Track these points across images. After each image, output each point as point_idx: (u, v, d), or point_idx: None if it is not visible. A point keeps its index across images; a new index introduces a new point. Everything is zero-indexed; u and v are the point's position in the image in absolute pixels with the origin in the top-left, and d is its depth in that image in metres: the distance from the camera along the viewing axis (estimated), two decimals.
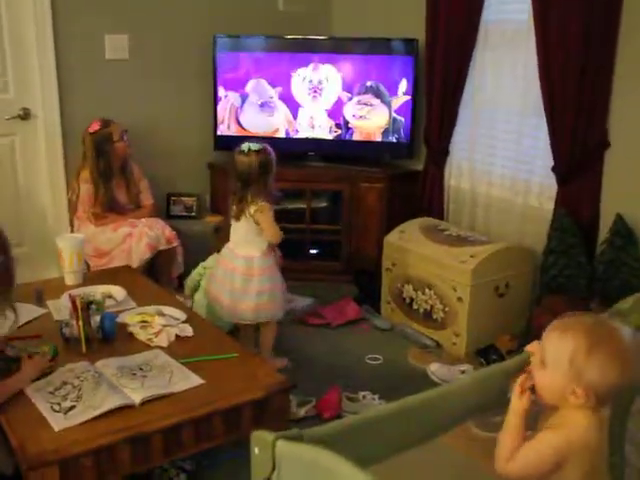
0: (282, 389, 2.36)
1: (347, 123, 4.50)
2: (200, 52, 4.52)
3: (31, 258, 4.23)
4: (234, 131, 4.57)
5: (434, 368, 3.38)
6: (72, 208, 4.11)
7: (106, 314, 2.62)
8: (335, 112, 4.50)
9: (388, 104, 4.41)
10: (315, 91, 4.49)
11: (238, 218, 3.17)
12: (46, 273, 3.92)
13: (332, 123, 4.52)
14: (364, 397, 3.05)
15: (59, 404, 2.18)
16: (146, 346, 2.58)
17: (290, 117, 4.55)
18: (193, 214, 4.55)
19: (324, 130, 4.53)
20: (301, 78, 4.48)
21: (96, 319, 2.58)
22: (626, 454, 2.14)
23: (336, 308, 4.03)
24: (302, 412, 3.04)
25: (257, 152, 3.13)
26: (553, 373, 1.55)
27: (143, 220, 4.02)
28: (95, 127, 3.94)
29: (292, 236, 4.50)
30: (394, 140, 4.45)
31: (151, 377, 2.33)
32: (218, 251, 3.81)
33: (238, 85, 4.52)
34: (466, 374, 3.26)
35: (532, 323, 3.61)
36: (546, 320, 3.49)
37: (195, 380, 2.33)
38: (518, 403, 1.61)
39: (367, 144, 4.50)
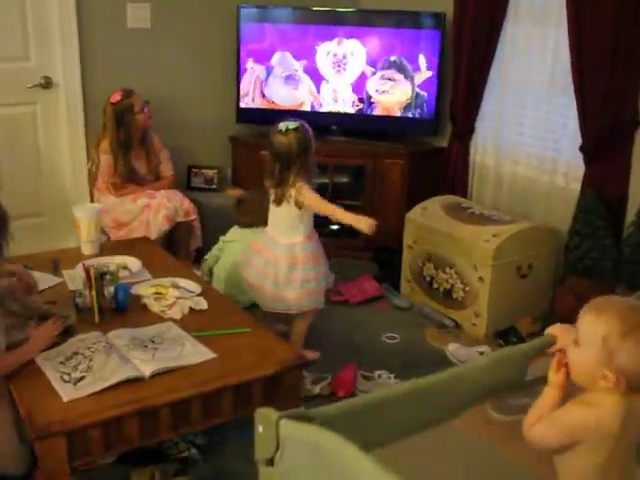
0: (297, 365, 2.32)
1: (370, 98, 4.42)
2: (224, 23, 4.45)
3: (50, 227, 4.25)
4: (259, 104, 4.52)
5: (452, 348, 3.33)
6: (92, 178, 4.09)
7: (120, 285, 2.60)
8: (359, 86, 4.42)
9: (411, 79, 4.31)
10: (339, 65, 4.41)
11: (279, 203, 3.01)
12: (65, 243, 3.91)
13: (355, 98, 4.44)
14: (379, 376, 3.01)
15: (69, 374, 2.16)
16: (159, 318, 2.55)
17: (314, 90, 4.48)
18: (214, 187, 4.51)
19: (347, 104, 4.46)
20: (325, 52, 4.40)
21: (110, 290, 2.56)
22: None
23: (355, 285, 3.98)
24: (317, 389, 3.01)
25: (295, 130, 2.95)
26: (586, 353, 1.52)
27: (162, 192, 4.00)
28: (117, 97, 3.90)
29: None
30: (417, 116, 4.36)
31: (162, 349, 2.30)
32: (239, 224, 3.78)
33: (263, 57, 4.45)
34: (484, 355, 3.20)
35: (554, 305, 3.54)
36: (569, 303, 3.46)
37: (206, 354, 2.30)
38: (555, 377, 1.60)
39: (390, 119, 4.42)
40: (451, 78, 4.20)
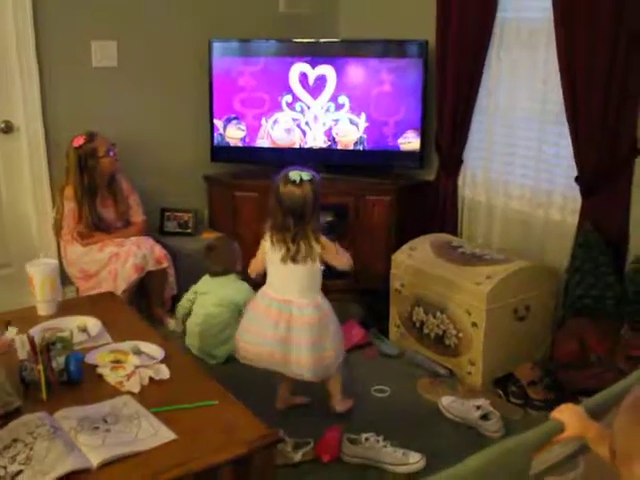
0: (268, 443, 2.05)
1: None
2: (195, 58, 4.23)
3: (19, 279, 3.96)
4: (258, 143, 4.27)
5: (446, 402, 3.05)
6: (57, 227, 3.84)
7: (72, 355, 2.32)
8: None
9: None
10: (315, 97, 4.17)
11: (294, 260, 2.77)
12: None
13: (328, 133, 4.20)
14: (367, 439, 2.73)
15: (5, 468, 1.87)
16: (116, 390, 2.28)
17: (295, 127, 4.23)
18: (189, 231, 4.26)
19: (325, 139, 4.22)
20: (302, 84, 4.16)
21: (60, 360, 2.29)
22: None
23: (344, 329, 3.71)
24: (299, 456, 2.73)
25: (310, 182, 2.74)
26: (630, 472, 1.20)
27: (132, 239, 3.75)
28: (79, 141, 3.67)
29: None
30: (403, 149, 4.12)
31: (115, 432, 2.02)
32: (210, 274, 3.53)
33: (235, 93, 4.21)
34: (481, 411, 2.93)
35: (556, 349, 3.28)
36: (570, 346, 3.19)
37: (165, 435, 2.02)
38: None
39: (372, 153, 4.17)
40: (436, 108, 3.98)
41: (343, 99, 4.12)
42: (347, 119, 4.14)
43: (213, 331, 3.47)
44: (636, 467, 1.19)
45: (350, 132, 4.15)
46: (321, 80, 4.11)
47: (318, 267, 2.81)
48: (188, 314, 3.55)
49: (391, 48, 4.07)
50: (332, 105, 4.14)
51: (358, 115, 4.11)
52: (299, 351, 2.81)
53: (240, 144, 4.27)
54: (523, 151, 3.66)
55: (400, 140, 4.10)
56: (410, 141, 4.08)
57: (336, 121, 4.16)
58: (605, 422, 1.50)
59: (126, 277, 3.63)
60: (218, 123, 4.25)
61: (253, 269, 2.98)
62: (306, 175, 2.75)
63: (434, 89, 3.96)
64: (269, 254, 2.83)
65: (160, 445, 1.98)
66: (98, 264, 3.70)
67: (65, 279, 4.01)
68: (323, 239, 2.80)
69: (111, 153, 3.73)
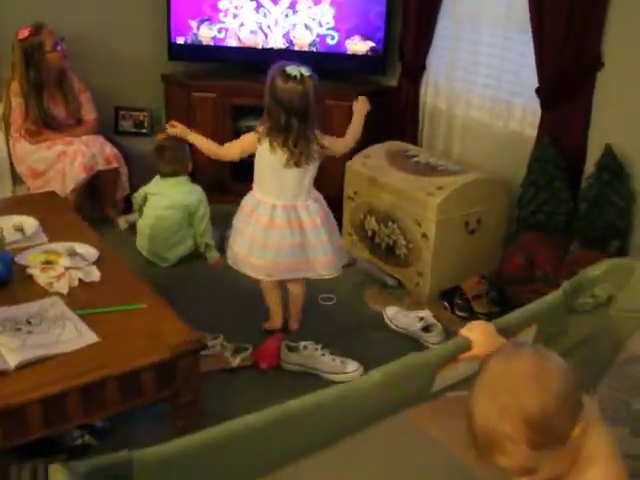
0: (192, 349, 2.03)
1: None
2: None
3: None
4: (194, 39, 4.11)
5: (390, 313, 3.06)
6: (5, 123, 3.71)
7: (0, 255, 2.27)
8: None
9: None
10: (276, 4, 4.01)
11: (299, 164, 2.63)
12: None
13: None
14: (305, 347, 2.74)
15: None
16: (46, 292, 2.24)
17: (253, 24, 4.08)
18: (144, 130, 4.14)
19: (284, 42, 4.08)
20: None
21: None
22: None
23: None
24: (237, 361, 2.74)
25: (310, 77, 2.56)
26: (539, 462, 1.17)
27: (82, 138, 3.64)
28: (24, 34, 3.50)
29: (249, 159, 4.14)
30: (369, 52, 3.98)
31: (38, 333, 2.00)
32: (160, 174, 3.45)
33: None
34: (423, 322, 2.94)
35: (504, 264, 3.26)
36: (519, 262, 3.18)
37: (88, 337, 2.00)
38: None
39: (334, 56, 4.03)
40: (400, 10, 3.82)
41: (300, 6, 4.00)
42: (303, 24, 4.03)
43: (164, 234, 3.42)
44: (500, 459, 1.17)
45: (305, 36, 4.05)
46: None
47: (314, 169, 2.72)
48: (141, 211, 3.48)
49: None
50: (290, 11, 4.03)
51: (314, 20, 4.00)
52: (321, 251, 2.76)
53: (212, 43, 4.12)
54: (487, 59, 3.53)
55: (348, 42, 4.00)
56: (357, 43, 3.98)
57: (294, 25, 4.05)
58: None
59: (74, 176, 3.54)
60: (192, 23, 4.09)
61: (220, 154, 2.82)
62: (305, 70, 2.57)
63: None
64: (265, 159, 2.66)
65: (82, 348, 1.97)
66: (46, 163, 3.60)
67: (16, 178, 3.93)
68: (324, 137, 2.70)
69: (58, 48, 3.56)
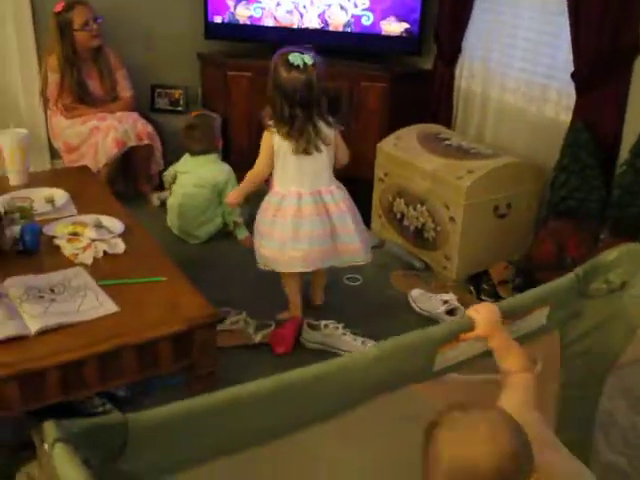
0: (207, 322, 2.06)
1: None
2: None
3: None
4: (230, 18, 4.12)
5: (415, 295, 3.05)
6: (44, 99, 3.78)
7: (28, 225, 2.33)
8: None
9: None
10: None
11: (308, 152, 2.60)
12: None
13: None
14: (326, 326, 2.75)
15: None
16: (71, 262, 2.29)
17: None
18: (179, 108, 4.18)
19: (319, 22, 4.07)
20: None
21: (14, 229, 2.29)
22: (613, 411, 1.85)
23: None
24: (258, 337, 2.77)
25: (314, 65, 2.51)
26: None
27: (116, 114, 3.69)
28: (59, 8, 3.55)
29: None
30: (404, 34, 3.95)
31: (60, 301, 2.04)
32: (189, 152, 3.48)
33: None
34: (447, 306, 2.93)
35: (534, 249, 3.22)
36: (549, 248, 3.14)
37: (109, 307, 2.03)
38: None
39: (369, 37, 4.01)
40: None
41: None
42: (338, 4, 4.02)
43: (193, 212, 3.45)
44: None
45: (340, 16, 4.03)
46: None
47: (331, 155, 2.68)
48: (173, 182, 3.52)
49: None
50: None
51: (350, 0, 3.99)
52: (349, 237, 2.74)
53: (248, 22, 4.13)
54: (523, 42, 3.48)
55: (383, 23, 3.97)
56: (392, 24, 3.95)
57: (329, 5, 4.04)
58: (514, 327, 1.47)
59: (106, 151, 3.59)
60: (230, 2, 4.10)
61: (258, 173, 2.72)
62: (308, 58, 2.52)
63: None
64: (282, 151, 2.62)
65: (102, 317, 2.00)
66: (80, 137, 3.65)
67: (54, 152, 4.01)
68: (334, 124, 2.65)
69: (88, 27, 3.59)
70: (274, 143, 2.63)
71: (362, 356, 1.30)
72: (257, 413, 1.21)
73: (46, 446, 0.97)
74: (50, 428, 0.98)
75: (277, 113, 2.57)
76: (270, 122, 2.62)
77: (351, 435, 1.34)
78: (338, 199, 2.72)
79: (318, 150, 2.62)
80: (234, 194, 2.85)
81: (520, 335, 1.49)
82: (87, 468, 0.97)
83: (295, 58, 2.50)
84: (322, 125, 2.62)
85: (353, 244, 2.76)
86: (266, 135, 2.65)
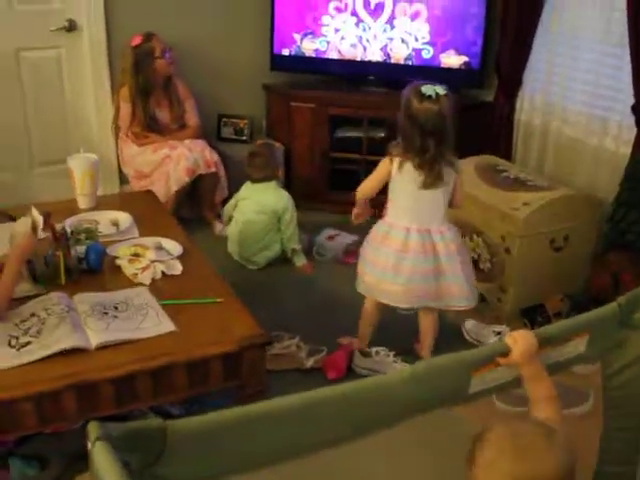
0: (257, 343, 2.12)
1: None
2: None
3: None
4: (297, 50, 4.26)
5: (468, 325, 3.06)
6: (115, 127, 3.97)
7: (92, 245, 2.45)
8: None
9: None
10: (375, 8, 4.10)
11: (435, 185, 2.55)
12: None
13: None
14: (377, 353, 2.78)
15: (17, 338, 2.05)
16: (131, 282, 2.40)
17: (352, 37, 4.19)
18: (244, 137, 4.31)
19: (382, 54, 4.17)
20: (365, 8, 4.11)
21: (80, 249, 2.42)
22: None
23: None
24: (310, 362, 2.82)
25: (446, 96, 2.47)
26: None
27: (185, 142, 3.83)
28: (137, 41, 3.74)
29: (345, 166, 4.24)
30: (462, 66, 4.00)
31: (122, 319, 2.15)
32: (251, 180, 3.58)
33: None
34: (499, 336, 2.92)
35: (590, 283, 3.20)
36: (605, 281, 3.11)
37: (167, 326, 2.13)
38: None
39: (432, 69, 4.07)
40: (499, 25, 3.82)
41: (398, 22, 4.09)
42: (399, 38, 4.11)
43: (253, 238, 3.54)
44: None
45: (401, 49, 4.13)
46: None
47: (451, 190, 2.63)
48: (231, 219, 3.63)
49: None
50: (388, 26, 4.12)
51: (411, 34, 4.08)
52: (454, 278, 2.67)
53: (314, 54, 4.26)
54: (583, 75, 3.48)
55: (443, 56, 4.05)
56: (451, 57, 4.02)
57: (391, 39, 4.14)
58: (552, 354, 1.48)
59: (178, 179, 3.72)
60: (296, 36, 4.24)
61: (364, 192, 2.74)
62: (441, 89, 2.48)
63: (498, 7, 3.80)
64: (399, 181, 2.58)
65: (159, 335, 2.09)
66: (151, 165, 3.81)
67: (123, 178, 4.18)
68: (458, 160, 2.62)
69: (167, 55, 3.78)
70: (393, 172, 2.59)
71: (394, 377, 1.33)
72: (290, 427, 1.25)
73: (89, 445, 1.04)
74: (93, 428, 1.05)
75: (408, 144, 2.54)
76: (394, 151, 2.59)
77: (383, 450, 1.37)
78: (448, 240, 2.65)
79: (443, 186, 2.58)
80: (356, 210, 2.82)
81: (557, 362, 1.50)
82: (125, 469, 1.03)
83: (427, 89, 2.48)
84: (449, 161, 2.59)
85: (458, 285, 2.68)
86: (385, 162, 2.63)
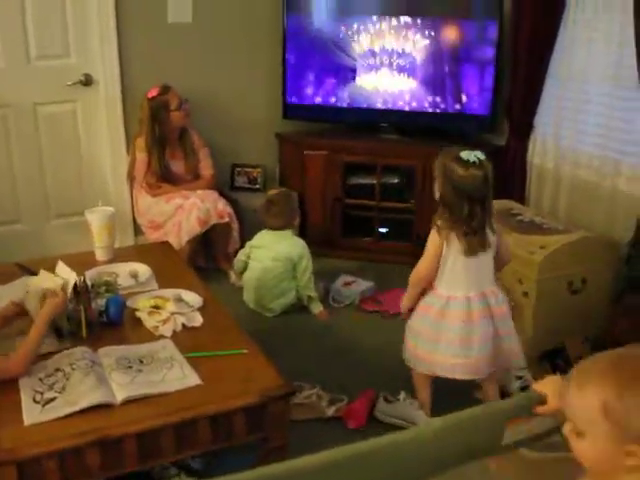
0: (281, 395, 2.11)
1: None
2: (269, 14, 4.26)
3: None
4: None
5: None
6: (129, 177, 4.01)
7: (112, 298, 2.46)
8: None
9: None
10: (390, 59, 4.15)
11: (483, 250, 2.51)
12: None
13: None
14: (399, 400, 2.76)
15: (42, 394, 2.04)
16: (152, 334, 2.40)
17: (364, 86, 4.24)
18: (257, 186, 4.34)
19: (396, 100, 4.21)
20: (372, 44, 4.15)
21: (100, 302, 2.43)
22: None
23: (396, 294, 3.71)
24: (331, 411, 2.79)
25: (488, 160, 2.46)
26: (594, 441, 1.21)
27: (198, 192, 3.86)
28: (153, 93, 3.81)
29: (360, 213, 4.26)
30: (472, 112, 4.04)
31: (147, 372, 2.14)
32: (267, 227, 3.60)
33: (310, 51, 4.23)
34: (522, 382, 2.89)
35: (610, 325, 3.17)
36: (625, 323, 3.08)
37: (192, 379, 2.11)
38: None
39: (443, 115, 4.12)
40: (509, 70, 3.87)
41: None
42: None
43: (269, 285, 3.54)
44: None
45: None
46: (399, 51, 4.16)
47: (494, 250, 2.58)
48: (245, 267, 3.64)
49: (460, 8, 3.99)
50: (401, 75, 4.17)
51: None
52: (510, 339, 2.64)
53: (326, 103, 4.31)
54: (594, 118, 3.51)
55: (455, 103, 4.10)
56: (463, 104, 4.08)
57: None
58: None
59: (190, 229, 3.75)
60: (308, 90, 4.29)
61: (421, 273, 2.62)
62: (480, 154, 2.45)
63: (507, 50, 3.86)
64: (449, 252, 2.52)
65: (184, 388, 2.08)
66: (165, 215, 3.84)
67: (137, 229, 4.21)
68: (496, 224, 2.59)
69: (183, 107, 3.84)
70: (444, 244, 2.53)
71: (423, 429, 1.32)
72: None
73: None
74: None
75: (456, 213, 2.47)
76: (439, 222, 2.53)
77: None
78: (501, 301, 2.61)
79: (487, 250, 2.54)
80: (405, 303, 2.71)
81: None
82: None
83: (468, 155, 2.43)
84: (491, 224, 2.56)
85: (513, 346, 2.65)
86: (434, 235, 2.55)
